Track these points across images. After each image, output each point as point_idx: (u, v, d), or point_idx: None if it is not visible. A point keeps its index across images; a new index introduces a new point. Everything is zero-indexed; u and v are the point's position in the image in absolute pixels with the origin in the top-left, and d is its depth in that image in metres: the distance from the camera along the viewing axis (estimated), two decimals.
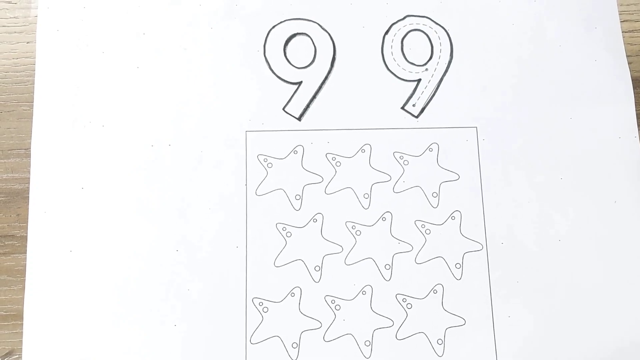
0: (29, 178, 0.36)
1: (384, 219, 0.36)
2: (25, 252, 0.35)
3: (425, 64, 0.39)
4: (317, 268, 0.36)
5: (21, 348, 0.34)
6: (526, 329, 0.35)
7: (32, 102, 0.37)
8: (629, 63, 0.39)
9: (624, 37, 0.40)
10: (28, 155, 0.37)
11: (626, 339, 0.35)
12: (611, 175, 0.38)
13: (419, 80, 0.38)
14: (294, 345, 0.35)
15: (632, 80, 0.39)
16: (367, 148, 0.37)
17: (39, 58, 0.38)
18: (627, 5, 0.40)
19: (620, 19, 0.40)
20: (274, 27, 0.39)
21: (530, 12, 0.40)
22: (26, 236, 0.36)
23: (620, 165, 0.38)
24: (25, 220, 0.36)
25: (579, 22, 0.40)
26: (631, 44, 0.40)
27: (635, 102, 0.39)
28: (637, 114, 0.39)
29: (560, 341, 0.35)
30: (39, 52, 0.38)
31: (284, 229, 0.36)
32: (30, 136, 0.37)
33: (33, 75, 0.38)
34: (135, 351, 0.34)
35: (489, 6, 0.40)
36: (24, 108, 0.38)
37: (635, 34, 0.40)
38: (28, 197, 0.36)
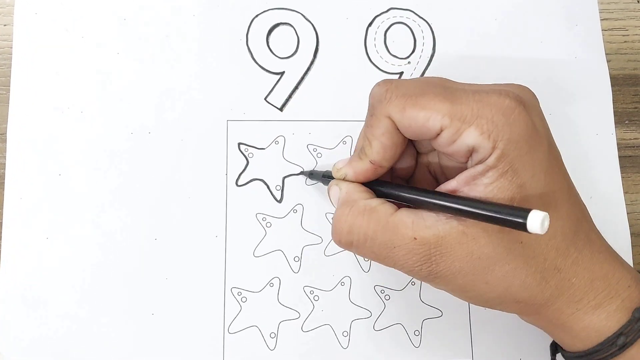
0: (4, 163, 0.36)
1: None
2: (1, 239, 0.35)
3: (408, 57, 0.39)
4: (297, 259, 0.36)
5: None
6: (502, 320, 0.36)
7: (9, 86, 0.37)
8: (608, 61, 0.40)
9: (603, 35, 0.40)
10: (4, 141, 0.36)
11: None
12: (588, 171, 0.38)
13: (401, 73, 0.39)
14: (272, 335, 0.35)
15: (611, 77, 0.39)
16: (348, 140, 0.37)
17: (16, 41, 0.37)
18: (607, 3, 0.41)
19: (600, 17, 0.40)
20: (257, 16, 0.39)
21: (513, 8, 0.40)
22: (1, 222, 0.35)
23: (597, 162, 0.38)
24: (1, 206, 0.35)
25: (561, 20, 0.40)
26: (610, 42, 0.40)
27: (613, 100, 0.39)
28: (614, 112, 0.39)
29: (535, 333, 0.36)
30: (16, 36, 0.37)
31: (264, 219, 0.36)
32: (7, 121, 0.36)
33: (10, 59, 0.37)
34: (112, 339, 0.34)
35: (472, 1, 0.40)
36: (1, 92, 0.37)
37: (615, 33, 0.41)
38: (4, 182, 0.36)
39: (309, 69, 0.38)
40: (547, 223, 0.22)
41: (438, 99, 0.26)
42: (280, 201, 0.36)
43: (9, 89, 0.37)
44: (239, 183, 0.36)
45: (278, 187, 0.37)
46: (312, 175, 0.35)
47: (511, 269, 0.26)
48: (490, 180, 0.25)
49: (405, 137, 0.28)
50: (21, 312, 0.34)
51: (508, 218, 0.23)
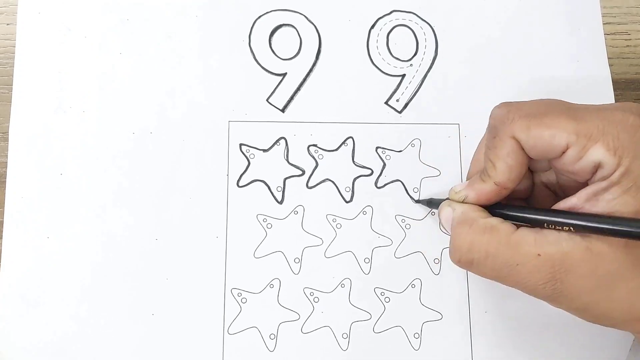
0: (6, 162, 0.36)
1: (364, 212, 0.37)
2: (1, 238, 0.35)
3: (410, 59, 0.39)
4: (297, 260, 0.36)
5: None
6: (502, 324, 0.36)
7: (11, 85, 0.37)
8: (610, 65, 0.40)
9: (605, 39, 0.40)
10: (6, 139, 0.36)
11: (603, 335, 0.36)
12: None
13: (403, 76, 0.39)
14: (272, 336, 0.35)
15: (613, 82, 0.39)
16: (349, 142, 0.37)
17: (19, 41, 0.37)
18: (610, 7, 0.41)
19: (602, 21, 0.40)
20: (259, 17, 0.39)
21: (515, 11, 0.40)
22: (2, 221, 0.35)
23: None
24: (2, 205, 0.35)
25: (563, 23, 0.40)
26: (613, 46, 0.40)
27: None
28: None
29: (535, 337, 0.36)
30: (20, 35, 0.37)
31: (265, 220, 0.36)
32: (9, 120, 0.36)
33: (13, 58, 0.37)
34: (111, 340, 0.34)
35: (475, 4, 0.40)
36: (3, 91, 0.37)
37: (617, 37, 0.41)
38: (5, 182, 0.36)
39: (311, 70, 0.38)
40: None
41: (562, 117, 0.26)
42: (281, 202, 0.36)
43: (12, 88, 0.37)
44: (240, 184, 0.36)
45: (279, 189, 0.37)
46: (430, 203, 0.35)
47: (637, 286, 0.26)
48: (614, 196, 0.25)
49: (528, 157, 0.28)
50: (21, 312, 0.34)
51: None
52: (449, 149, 0.38)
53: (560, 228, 0.26)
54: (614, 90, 0.39)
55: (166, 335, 0.34)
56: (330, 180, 0.37)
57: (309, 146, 0.37)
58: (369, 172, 0.37)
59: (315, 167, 0.37)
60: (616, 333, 0.36)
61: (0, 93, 0.37)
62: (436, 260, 0.36)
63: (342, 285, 0.36)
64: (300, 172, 0.37)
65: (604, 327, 0.35)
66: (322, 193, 0.37)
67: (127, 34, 0.38)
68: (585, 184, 0.27)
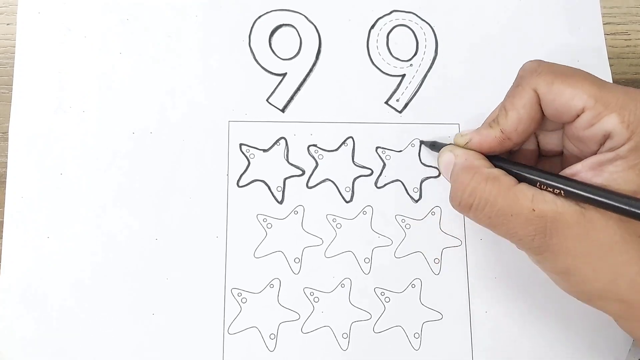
0: (6, 162, 0.36)
1: (364, 212, 0.37)
2: (1, 238, 0.35)
3: (410, 59, 0.39)
4: (297, 260, 0.36)
5: None
6: (503, 324, 0.36)
7: (11, 85, 0.37)
8: (611, 65, 0.40)
9: (606, 39, 0.40)
10: (6, 139, 0.36)
11: (603, 335, 0.36)
12: None
13: (403, 76, 0.39)
14: (272, 336, 0.35)
15: (613, 82, 0.39)
16: (349, 142, 0.37)
17: (19, 41, 0.37)
18: (610, 7, 0.41)
19: (602, 21, 0.40)
20: (259, 17, 0.39)
21: (516, 11, 0.40)
22: (2, 221, 0.35)
23: None
24: (2, 205, 0.35)
25: (563, 23, 0.40)
26: (613, 47, 0.40)
27: None
28: None
29: (536, 337, 0.36)
30: (20, 35, 0.37)
31: (265, 220, 0.36)
32: (9, 120, 0.36)
33: (13, 58, 0.37)
34: (111, 339, 0.34)
35: (475, 4, 0.40)
36: (3, 91, 0.37)
37: (617, 37, 0.41)
38: (5, 181, 0.36)
39: (311, 70, 0.38)
40: None
41: (587, 81, 0.27)
42: (281, 202, 0.36)
43: (12, 88, 0.37)
44: (240, 184, 0.36)
45: (279, 188, 0.37)
46: (433, 146, 0.36)
47: (623, 261, 0.26)
48: (617, 170, 0.26)
49: (541, 116, 0.29)
50: (21, 312, 0.34)
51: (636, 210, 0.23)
52: None
53: (551, 190, 0.27)
54: None
55: (166, 335, 0.34)
56: (330, 180, 0.37)
57: (309, 146, 0.37)
58: (369, 172, 0.37)
59: (315, 167, 0.37)
60: (616, 333, 0.36)
61: (0, 93, 0.37)
62: (436, 260, 0.36)
63: (342, 285, 0.36)
64: (300, 172, 0.37)
65: (603, 326, 0.35)
66: (322, 193, 0.37)
67: (127, 34, 0.38)
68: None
